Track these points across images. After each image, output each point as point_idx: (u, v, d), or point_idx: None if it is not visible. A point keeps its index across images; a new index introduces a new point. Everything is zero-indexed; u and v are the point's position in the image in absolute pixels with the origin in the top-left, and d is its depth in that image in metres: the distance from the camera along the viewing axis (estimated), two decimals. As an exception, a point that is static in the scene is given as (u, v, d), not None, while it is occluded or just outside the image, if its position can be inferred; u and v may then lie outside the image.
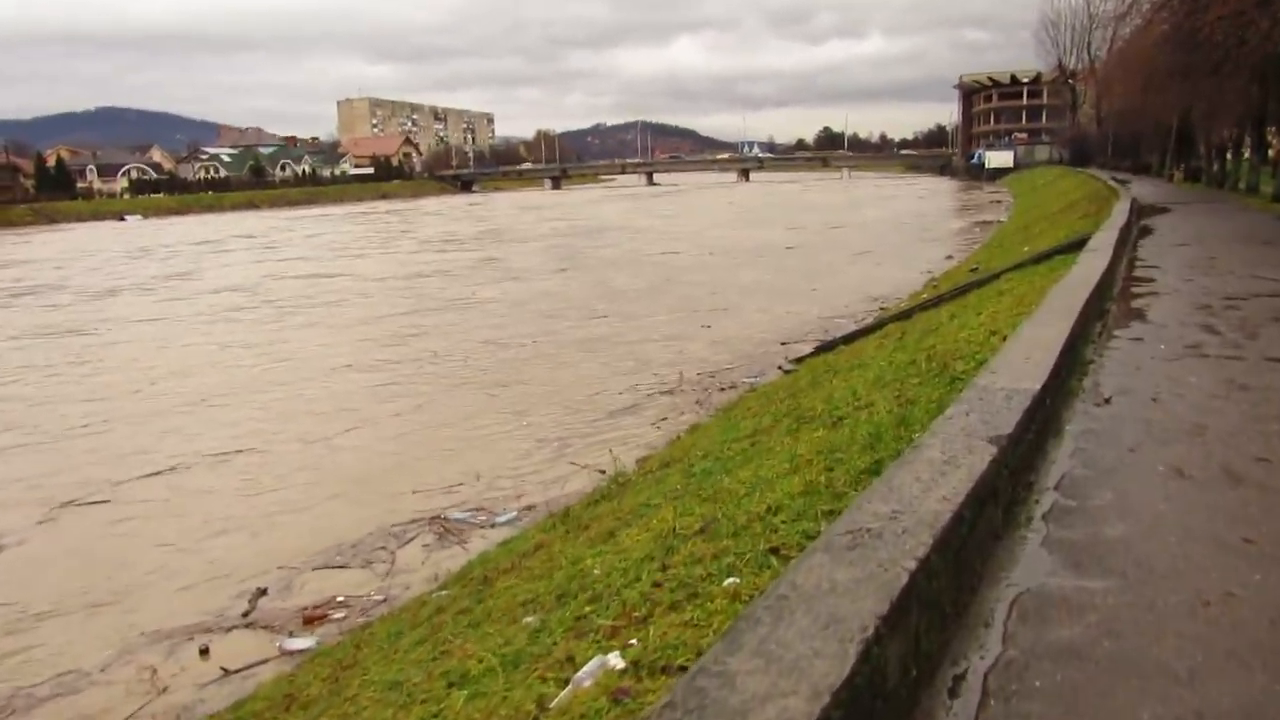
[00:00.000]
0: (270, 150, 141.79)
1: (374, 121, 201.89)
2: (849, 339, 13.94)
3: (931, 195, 69.12)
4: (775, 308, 18.76)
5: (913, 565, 2.25)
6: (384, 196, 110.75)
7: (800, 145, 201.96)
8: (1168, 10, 30.81)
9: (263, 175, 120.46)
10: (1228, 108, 33.94)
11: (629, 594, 3.57)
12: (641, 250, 33.16)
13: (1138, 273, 10.21)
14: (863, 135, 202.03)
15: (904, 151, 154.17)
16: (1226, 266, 10.28)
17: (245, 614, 6.46)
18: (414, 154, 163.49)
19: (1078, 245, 12.67)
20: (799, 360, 14.74)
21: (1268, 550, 3.00)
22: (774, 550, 3.38)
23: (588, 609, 3.71)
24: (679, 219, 51.47)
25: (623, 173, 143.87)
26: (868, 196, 69.04)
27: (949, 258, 26.91)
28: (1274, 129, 33.15)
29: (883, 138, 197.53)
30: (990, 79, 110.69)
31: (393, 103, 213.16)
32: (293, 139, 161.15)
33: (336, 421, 11.41)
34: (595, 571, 4.41)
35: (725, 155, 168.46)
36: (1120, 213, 16.42)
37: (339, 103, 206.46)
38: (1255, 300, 7.97)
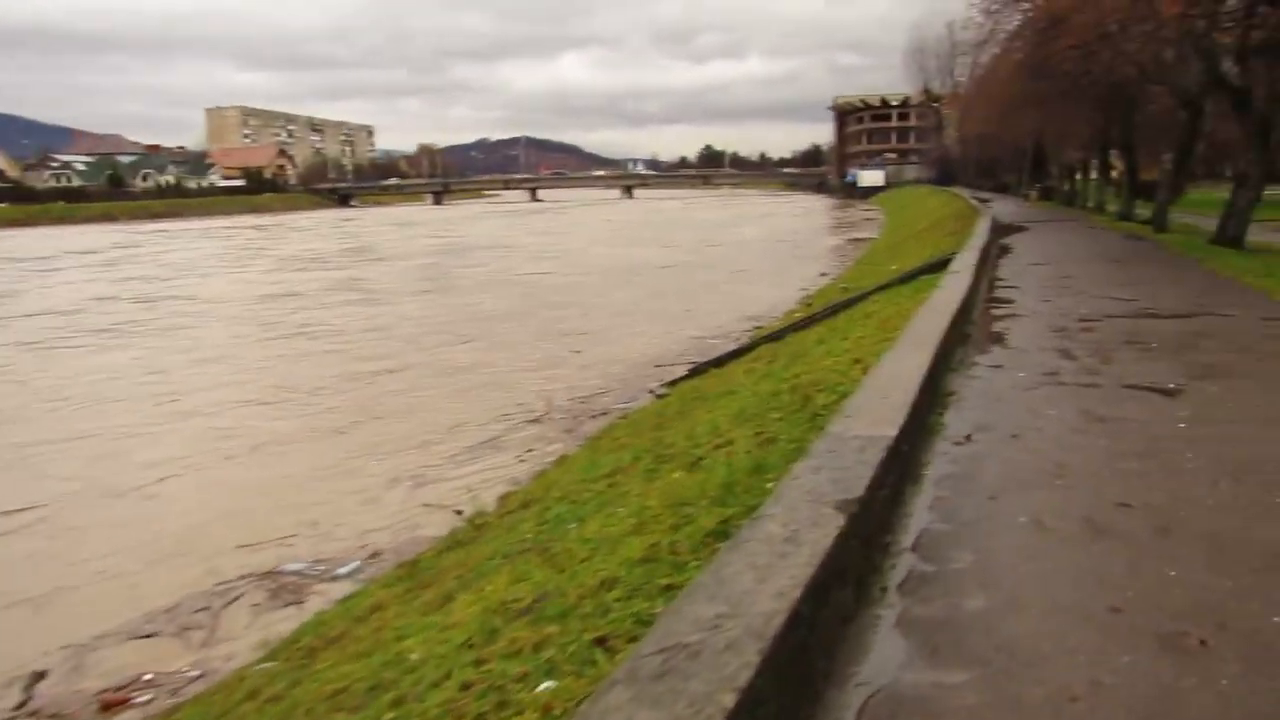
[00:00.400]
0: (131, 159, 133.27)
1: (246, 131, 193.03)
2: (720, 361, 13.73)
3: (808, 213, 70.98)
4: (649, 329, 18.44)
5: (731, 702, 1.79)
6: (255, 210, 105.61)
7: (684, 163, 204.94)
8: (1021, 40, 32.48)
9: (122, 185, 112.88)
10: (1076, 133, 36.06)
11: (433, 700, 3.03)
12: (513, 270, 32.09)
13: (998, 293, 10.33)
14: (744, 153, 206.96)
15: (783, 170, 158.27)
16: (1080, 286, 10.52)
17: (19, 706, 5.50)
18: (289, 166, 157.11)
19: (942, 265, 12.86)
20: (673, 383, 14.43)
21: (1136, 621, 2.71)
22: (601, 641, 2.92)
23: (387, 717, 3.15)
24: (557, 236, 50.51)
25: (506, 188, 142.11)
26: (747, 214, 70.22)
27: (824, 274, 27.33)
28: (1116, 152, 35.31)
29: (763, 156, 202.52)
30: (863, 101, 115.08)
31: (266, 112, 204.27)
32: (156, 147, 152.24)
33: (156, 467, 10.19)
34: (413, 657, 3.87)
35: (610, 172, 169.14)
36: (981, 232, 16.90)
37: (208, 110, 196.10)
38: (1108, 322, 8.07)
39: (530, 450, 11.74)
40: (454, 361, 16.15)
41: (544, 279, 28.61)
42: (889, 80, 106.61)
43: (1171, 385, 5.58)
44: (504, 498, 9.34)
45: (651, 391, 13.73)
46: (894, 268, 20.05)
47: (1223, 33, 20.88)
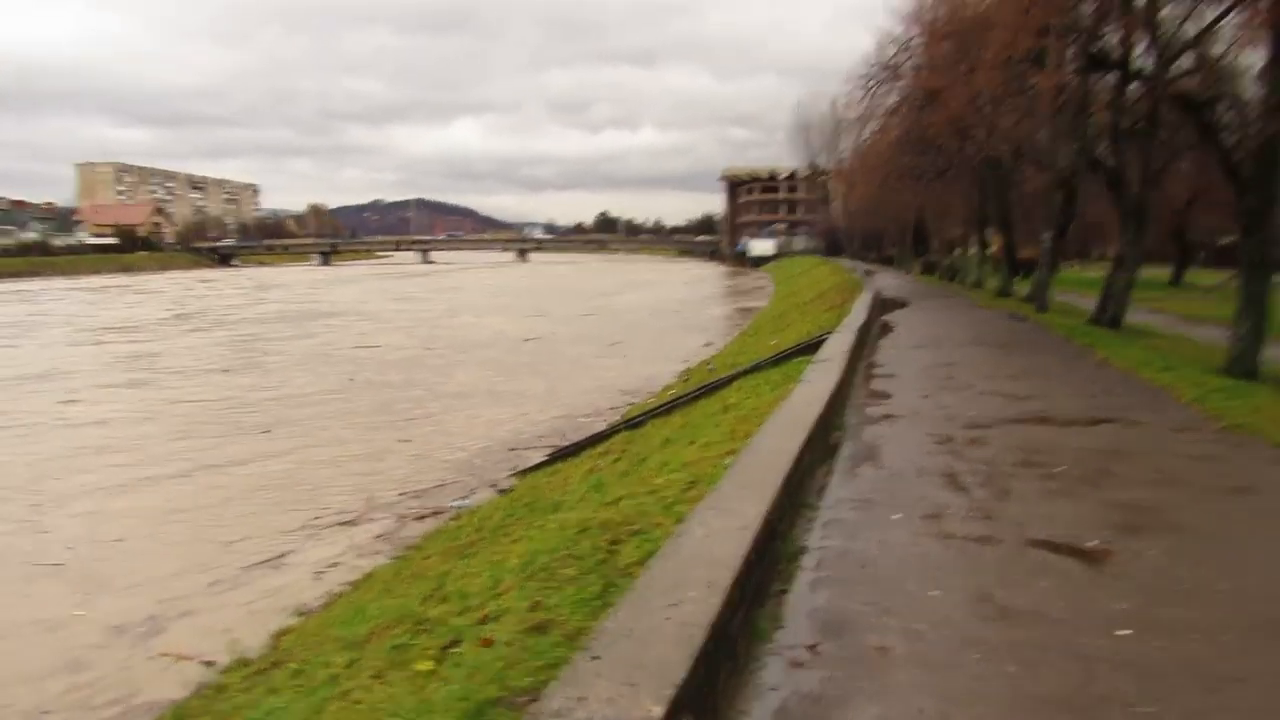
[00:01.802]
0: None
1: (120, 188, 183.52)
2: (577, 448, 11.99)
3: (698, 281, 70.78)
4: (495, 414, 16.33)
5: None
6: (126, 269, 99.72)
7: (580, 228, 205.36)
8: (898, 116, 32.83)
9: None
10: (954, 208, 36.57)
11: None
12: (357, 341, 28.77)
13: (875, 383, 8.91)
14: (640, 220, 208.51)
15: (676, 237, 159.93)
16: (966, 378, 9.21)
17: None
18: (165, 224, 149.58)
19: (816, 345, 11.51)
20: (524, 472, 12.59)
21: None
22: None
23: None
24: (424, 303, 47.23)
25: (398, 249, 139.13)
26: (636, 280, 69.43)
27: (708, 344, 26.09)
28: (993, 229, 35.85)
29: (658, 224, 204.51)
30: (752, 174, 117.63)
31: (143, 168, 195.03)
32: (21, 203, 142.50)
33: None
34: None
35: (505, 235, 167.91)
36: (860, 309, 15.79)
37: (79, 165, 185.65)
38: (1000, 430, 6.64)
39: (335, 564, 9.67)
40: (241, 455, 13.55)
41: (387, 353, 25.57)
42: (777, 154, 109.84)
43: (1094, 543, 4.04)
44: (280, 634, 7.34)
45: (495, 485, 11.79)
46: (773, 343, 18.83)
47: (1096, 113, 20.94)
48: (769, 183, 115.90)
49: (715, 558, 3.13)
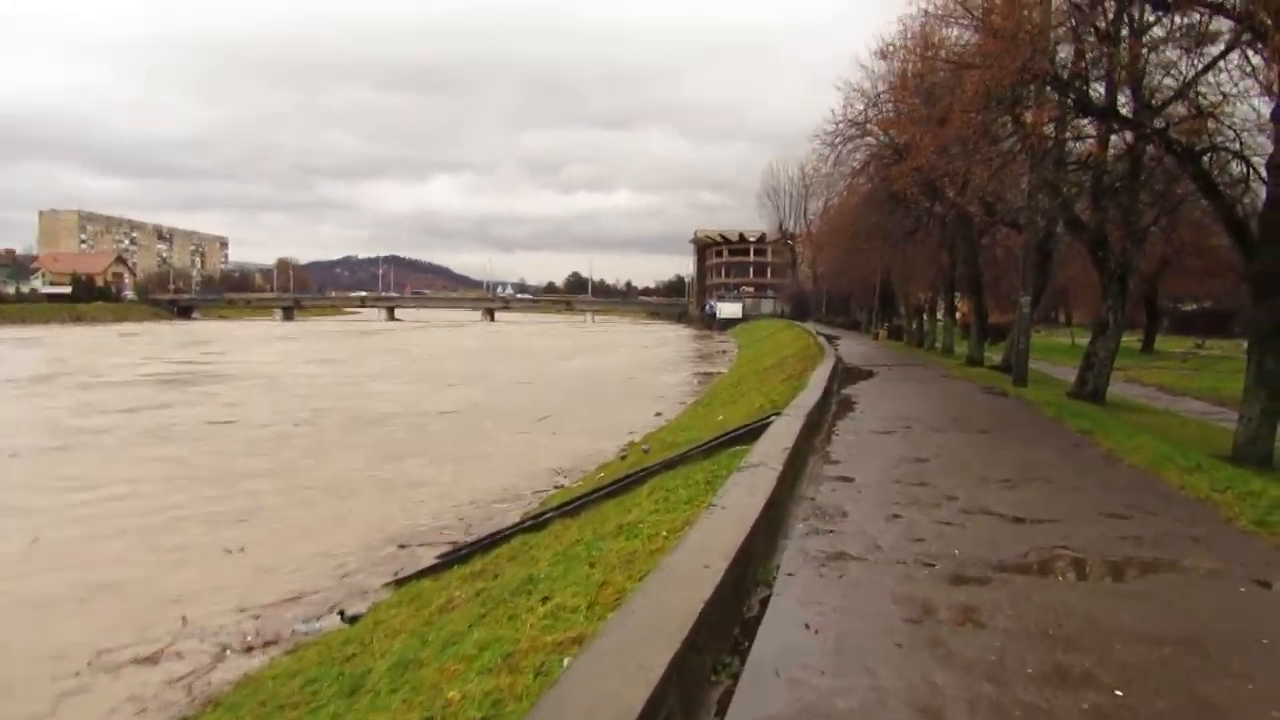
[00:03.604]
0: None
1: (83, 237, 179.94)
2: (430, 572, 9.61)
3: (661, 343, 68.72)
4: (371, 509, 13.57)
5: None
6: (79, 319, 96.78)
7: (551, 288, 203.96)
8: (865, 175, 31.40)
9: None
10: (922, 271, 35.06)
11: None
12: (225, 413, 24.33)
13: (823, 492, 6.64)
14: (610, 281, 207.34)
15: (644, 299, 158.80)
16: (945, 484, 6.96)
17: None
18: (126, 274, 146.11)
19: (759, 430, 9.29)
20: (398, 584, 10.17)
21: None
22: None
23: None
24: (351, 365, 43.08)
25: (363, 306, 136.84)
26: (598, 343, 67.17)
27: (658, 414, 23.83)
28: (961, 294, 34.33)
29: (628, 285, 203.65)
30: (721, 236, 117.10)
31: (107, 217, 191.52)
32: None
33: None
34: None
35: (472, 293, 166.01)
36: (818, 383, 13.66)
37: (41, 213, 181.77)
38: (1003, 588, 4.37)
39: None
40: (80, 560, 10.83)
41: (253, 430, 21.26)
42: (747, 218, 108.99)
43: None
44: None
45: (342, 612, 9.27)
46: (720, 418, 16.63)
47: (1075, 170, 19.36)
48: (738, 245, 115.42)
49: None
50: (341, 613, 9.04)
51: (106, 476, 15.59)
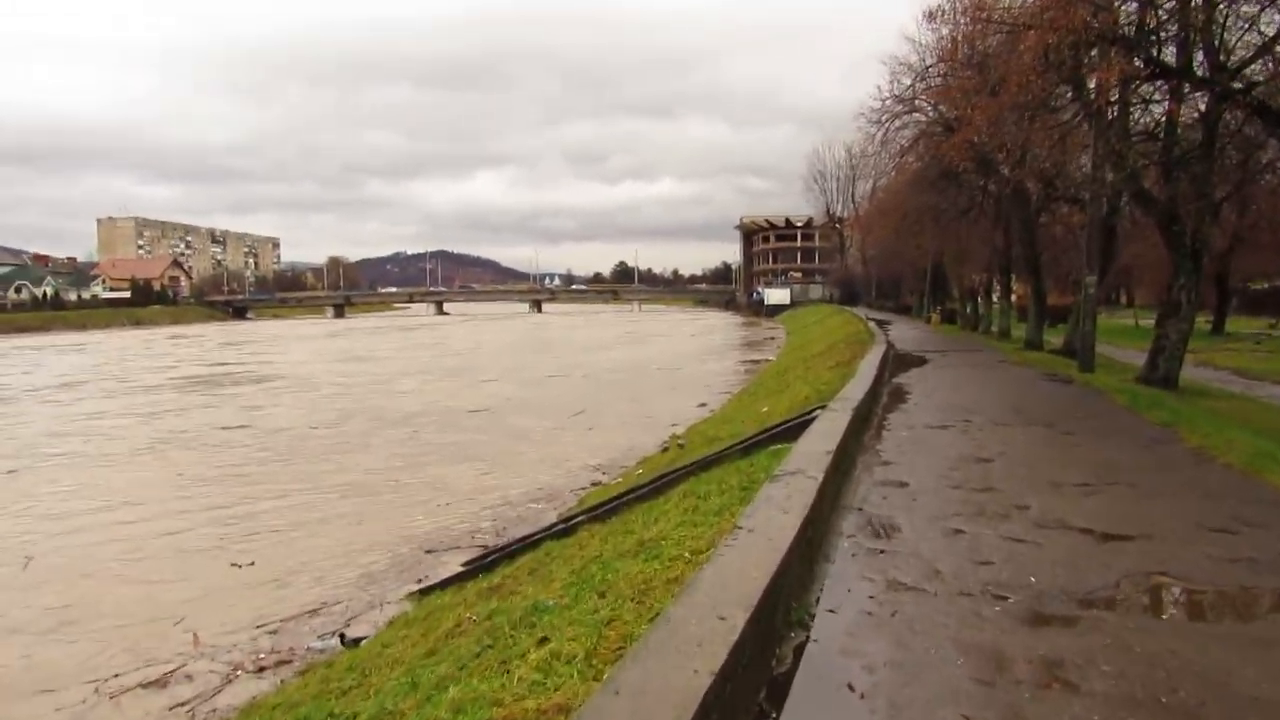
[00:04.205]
0: (4, 270, 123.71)
1: (140, 243, 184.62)
2: (453, 582, 9.03)
3: (709, 331, 67.73)
4: (388, 519, 12.75)
5: None
6: (138, 322, 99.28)
7: (597, 278, 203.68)
8: (915, 153, 30.09)
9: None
10: (976, 253, 33.64)
11: None
12: (244, 418, 23.25)
13: (872, 501, 5.85)
14: (657, 270, 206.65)
15: (692, 286, 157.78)
16: (1012, 490, 6.11)
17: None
18: (183, 278, 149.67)
19: (803, 425, 8.50)
20: (421, 594, 9.63)
21: None
22: None
23: None
24: (384, 363, 41.71)
25: (411, 301, 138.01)
26: (643, 331, 66.36)
27: (703, 404, 23.10)
28: (1016, 276, 32.88)
29: (675, 273, 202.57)
30: (768, 221, 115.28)
31: (163, 223, 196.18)
32: (45, 258, 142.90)
33: None
34: None
35: (519, 286, 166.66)
36: (868, 371, 12.78)
37: (100, 221, 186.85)
38: (1094, 631, 3.56)
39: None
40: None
41: (270, 436, 20.09)
42: (795, 203, 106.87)
43: None
44: None
45: (343, 635, 8.72)
46: (764, 410, 15.82)
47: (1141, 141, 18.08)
48: (785, 230, 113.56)
49: None
50: (342, 636, 8.49)
51: (108, 486, 15.30)
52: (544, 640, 3.93)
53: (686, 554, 4.85)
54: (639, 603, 4.15)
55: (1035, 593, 4.00)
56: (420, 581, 10.48)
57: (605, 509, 9.54)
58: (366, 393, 28.53)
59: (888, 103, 28.13)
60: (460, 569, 10.33)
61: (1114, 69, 11.67)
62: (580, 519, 9.72)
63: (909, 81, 26.77)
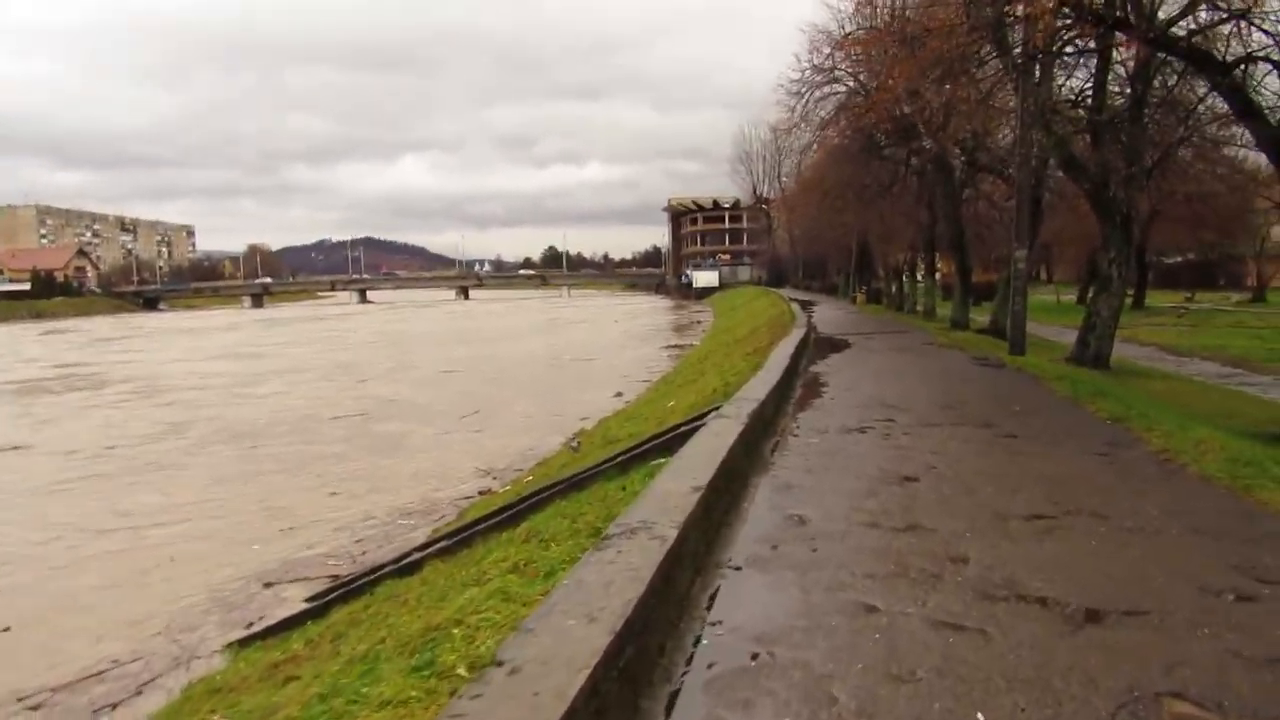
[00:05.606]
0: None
1: (43, 232, 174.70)
2: (285, 626, 7.21)
3: (633, 315, 66.03)
4: (218, 545, 10.87)
5: None
6: (39, 316, 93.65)
7: (527, 263, 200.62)
8: (834, 128, 28.80)
9: None
10: (900, 231, 32.71)
11: None
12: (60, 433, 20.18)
13: (750, 563, 4.26)
14: (587, 254, 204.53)
15: (622, 270, 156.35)
16: (943, 528, 4.55)
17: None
18: (89, 268, 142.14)
19: (689, 435, 6.90)
20: (241, 644, 7.80)
21: None
22: None
23: None
24: (264, 360, 37.79)
25: (334, 289, 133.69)
26: (568, 318, 64.42)
27: (619, 395, 21.54)
28: (941, 254, 32.07)
29: (606, 257, 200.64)
30: (695, 203, 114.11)
31: (68, 211, 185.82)
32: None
33: None
34: None
35: (446, 272, 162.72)
36: (778, 362, 11.26)
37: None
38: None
39: None
40: None
41: (58, 457, 16.98)
42: (724, 185, 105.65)
43: None
44: None
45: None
46: (671, 404, 14.25)
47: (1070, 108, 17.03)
48: (713, 212, 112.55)
49: None
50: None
51: None
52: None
53: (482, 646, 3.15)
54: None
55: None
56: (250, 625, 8.70)
57: (458, 537, 7.80)
58: (219, 398, 25.32)
59: (807, 73, 26.87)
60: (304, 606, 8.56)
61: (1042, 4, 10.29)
62: (433, 549, 7.98)
63: (828, 50, 25.48)
